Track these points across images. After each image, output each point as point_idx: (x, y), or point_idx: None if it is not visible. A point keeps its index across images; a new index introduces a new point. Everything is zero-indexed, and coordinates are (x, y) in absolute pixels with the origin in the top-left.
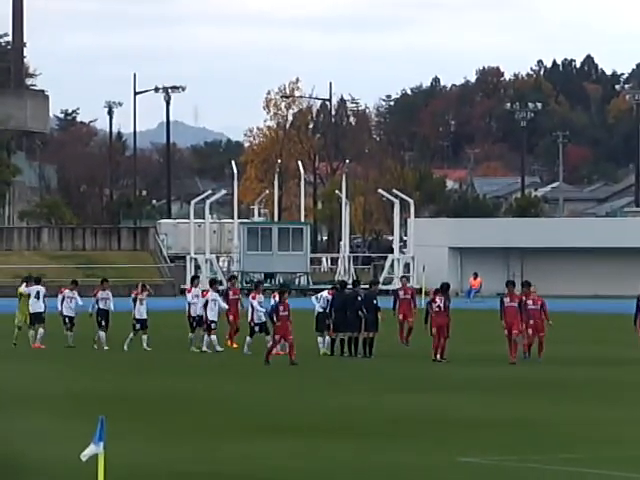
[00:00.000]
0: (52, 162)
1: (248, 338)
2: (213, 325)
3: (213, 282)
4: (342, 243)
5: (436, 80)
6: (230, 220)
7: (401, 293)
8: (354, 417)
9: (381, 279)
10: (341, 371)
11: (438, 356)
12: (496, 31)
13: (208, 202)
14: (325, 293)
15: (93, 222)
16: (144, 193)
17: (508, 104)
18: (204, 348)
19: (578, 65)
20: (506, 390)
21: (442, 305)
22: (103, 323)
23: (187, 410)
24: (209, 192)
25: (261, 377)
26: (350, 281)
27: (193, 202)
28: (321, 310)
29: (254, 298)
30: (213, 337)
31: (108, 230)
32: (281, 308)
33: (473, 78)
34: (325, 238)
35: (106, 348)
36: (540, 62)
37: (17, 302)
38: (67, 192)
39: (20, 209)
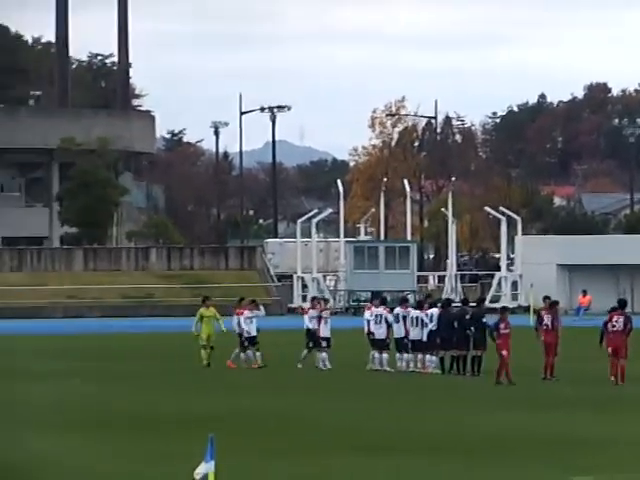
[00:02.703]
0: (159, 182)
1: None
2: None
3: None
4: (449, 261)
5: (542, 97)
6: (336, 239)
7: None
8: (461, 436)
9: (488, 297)
10: (449, 390)
11: (547, 374)
12: (603, 47)
13: (314, 221)
14: (435, 311)
15: (200, 242)
16: (251, 213)
17: (616, 120)
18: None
19: None
20: (616, 408)
21: (549, 323)
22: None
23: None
24: (315, 211)
25: (379, 396)
26: (458, 299)
27: (299, 221)
28: (434, 328)
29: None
30: (324, 354)
31: (215, 250)
32: (502, 326)
33: (580, 94)
34: (432, 256)
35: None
36: None
37: (198, 322)
38: (174, 212)
39: (128, 229)
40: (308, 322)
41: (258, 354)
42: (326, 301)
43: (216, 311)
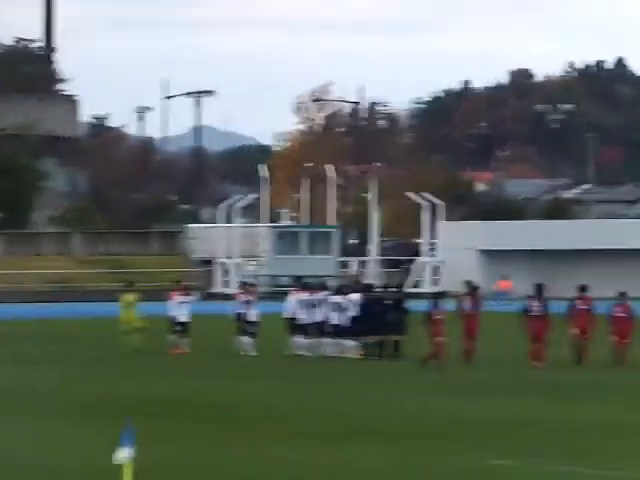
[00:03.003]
0: (83, 167)
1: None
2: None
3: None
4: (371, 246)
5: (467, 82)
6: (259, 224)
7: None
8: (384, 420)
9: (409, 282)
10: (369, 374)
11: (468, 359)
12: (527, 33)
13: (237, 206)
14: (355, 296)
15: (123, 227)
16: (174, 198)
17: (539, 106)
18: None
19: (609, 66)
20: (537, 393)
21: (469, 308)
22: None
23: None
24: (238, 196)
25: (302, 381)
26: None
27: (222, 206)
28: (354, 314)
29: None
30: (249, 339)
31: (138, 235)
32: (435, 311)
33: (504, 80)
34: (354, 241)
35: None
36: (571, 64)
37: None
38: (97, 197)
39: (50, 214)
40: (238, 307)
41: (185, 340)
42: (253, 286)
43: (138, 297)
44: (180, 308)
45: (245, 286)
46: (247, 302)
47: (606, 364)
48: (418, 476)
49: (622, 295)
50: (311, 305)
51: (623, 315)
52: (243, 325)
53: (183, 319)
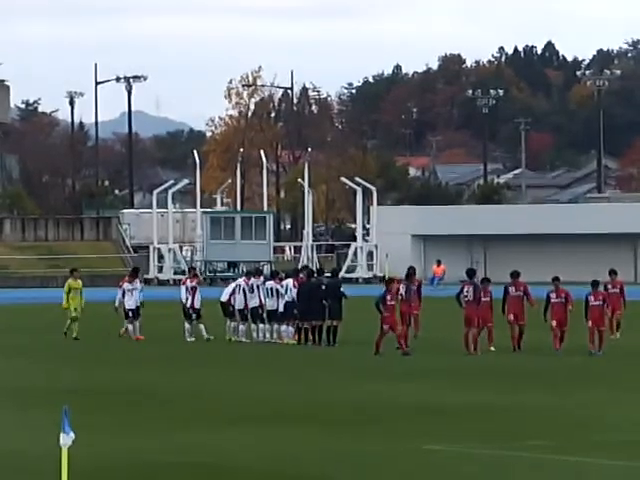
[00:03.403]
0: (14, 153)
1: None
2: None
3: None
4: (305, 232)
5: (398, 68)
6: (193, 210)
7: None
8: (319, 405)
9: (344, 267)
10: (305, 360)
11: (403, 344)
12: (457, 18)
13: (170, 192)
14: (290, 282)
15: (55, 213)
16: (106, 183)
17: (470, 91)
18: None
19: (539, 51)
20: (473, 377)
21: (404, 293)
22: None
23: (151, 401)
24: (171, 182)
25: (230, 367)
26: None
27: (155, 192)
28: (289, 300)
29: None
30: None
31: (71, 220)
32: (388, 297)
33: (435, 65)
34: (288, 227)
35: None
36: (501, 49)
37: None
38: (29, 183)
39: None
40: (184, 293)
41: (131, 326)
42: (194, 270)
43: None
44: (129, 295)
45: (192, 272)
46: (193, 288)
47: (546, 350)
48: (350, 458)
49: (556, 280)
50: (249, 290)
51: (559, 301)
52: (188, 311)
53: (131, 306)
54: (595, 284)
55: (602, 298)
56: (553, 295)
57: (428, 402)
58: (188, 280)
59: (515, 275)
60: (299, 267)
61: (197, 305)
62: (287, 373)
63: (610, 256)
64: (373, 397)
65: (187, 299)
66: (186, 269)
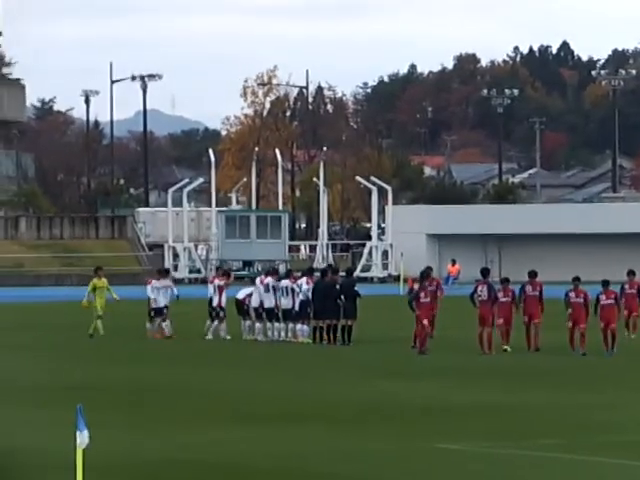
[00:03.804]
0: (30, 151)
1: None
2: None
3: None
4: (320, 230)
5: (413, 67)
6: (208, 208)
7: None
8: (326, 404)
9: (359, 267)
10: (320, 359)
11: (417, 343)
12: (472, 18)
13: (186, 190)
14: (304, 281)
15: (71, 211)
16: (122, 182)
17: (485, 91)
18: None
19: (554, 51)
20: (486, 377)
21: (424, 294)
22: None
23: (157, 398)
24: (187, 180)
25: (244, 366)
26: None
27: (171, 190)
28: (304, 298)
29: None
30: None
31: (86, 219)
32: (422, 295)
33: (450, 65)
34: (303, 226)
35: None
36: (516, 48)
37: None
38: (44, 181)
39: None
40: (212, 292)
41: (164, 324)
42: (221, 269)
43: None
44: (157, 293)
45: (220, 270)
46: (220, 287)
47: (558, 349)
48: (358, 456)
49: (576, 280)
50: (264, 289)
51: (578, 301)
52: (216, 309)
53: (160, 305)
54: (606, 283)
55: (614, 297)
56: (572, 294)
57: (437, 401)
58: (216, 279)
59: (533, 275)
60: (312, 266)
61: (223, 304)
62: (296, 372)
63: (625, 256)
64: (383, 396)
65: (213, 297)
66: (201, 267)
